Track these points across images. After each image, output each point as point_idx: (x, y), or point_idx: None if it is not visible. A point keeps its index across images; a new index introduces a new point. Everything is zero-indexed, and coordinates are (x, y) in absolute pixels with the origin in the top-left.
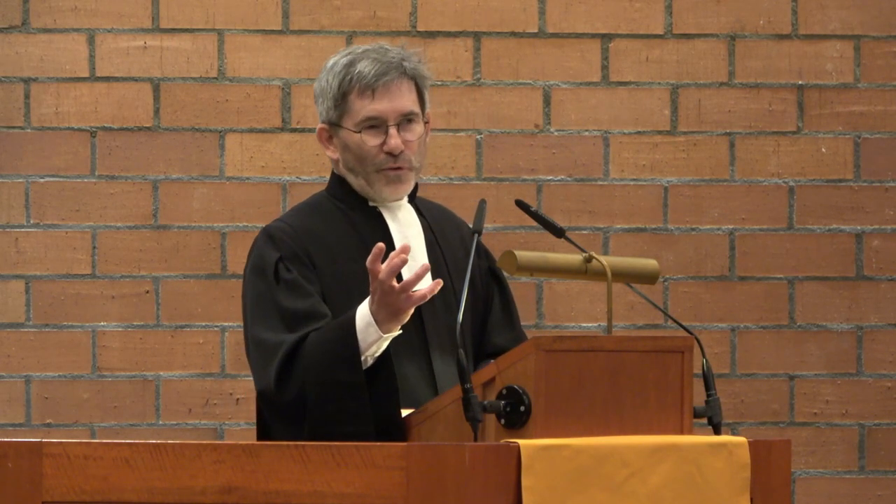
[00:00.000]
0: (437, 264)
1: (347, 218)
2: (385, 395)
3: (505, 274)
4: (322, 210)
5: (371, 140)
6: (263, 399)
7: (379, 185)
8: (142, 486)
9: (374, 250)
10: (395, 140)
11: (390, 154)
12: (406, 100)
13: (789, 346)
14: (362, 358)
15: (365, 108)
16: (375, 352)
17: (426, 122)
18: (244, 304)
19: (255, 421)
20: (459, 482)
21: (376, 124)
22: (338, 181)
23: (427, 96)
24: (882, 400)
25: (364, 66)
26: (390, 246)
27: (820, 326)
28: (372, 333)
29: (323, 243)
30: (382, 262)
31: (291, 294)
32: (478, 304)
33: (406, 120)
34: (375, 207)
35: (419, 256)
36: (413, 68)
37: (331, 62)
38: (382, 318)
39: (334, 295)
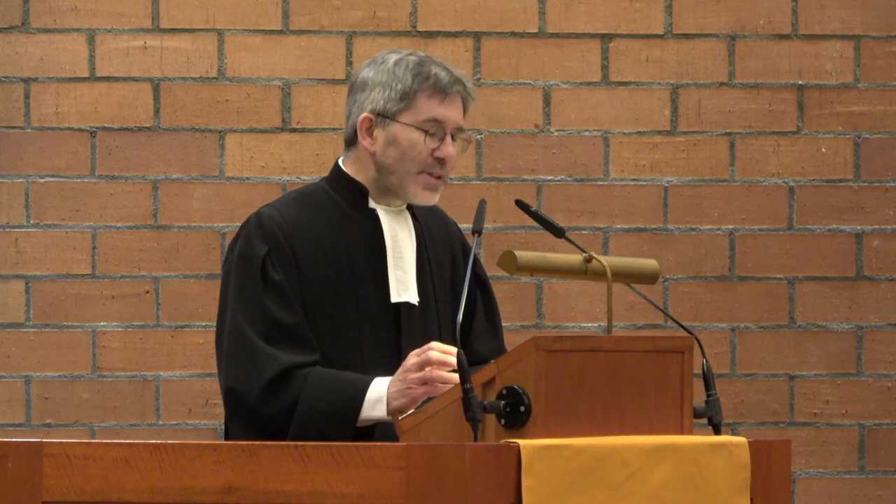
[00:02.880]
0: (423, 278)
1: (342, 214)
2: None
3: (505, 274)
4: (318, 201)
5: (430, 142)
6: (232, 397)
7: (415, 188)
8: (142, 486)
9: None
10: (449, 148)
11: (439, 160)
12: (462, 114)
13: (789, 346)
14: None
15: (433, 109)
16: (367, 424)
17: (468, 142)
18: (225, 285)
19: None
20: (459, 482)
21: (437, 129)
22: (340, 174)
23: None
24: (882, 400)
25: (439, 71)
26: (382, 250)
27: (820, 326)
28: (378, 410)
29: (311, 240)
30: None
31: (278, 302)
32: (457, 308)
33: (456, 134)
34: (374, 210)
35: (408, 267)
36: (471, 89)
37: (392, 58)
38: (397, 404)
39: (314, 291)
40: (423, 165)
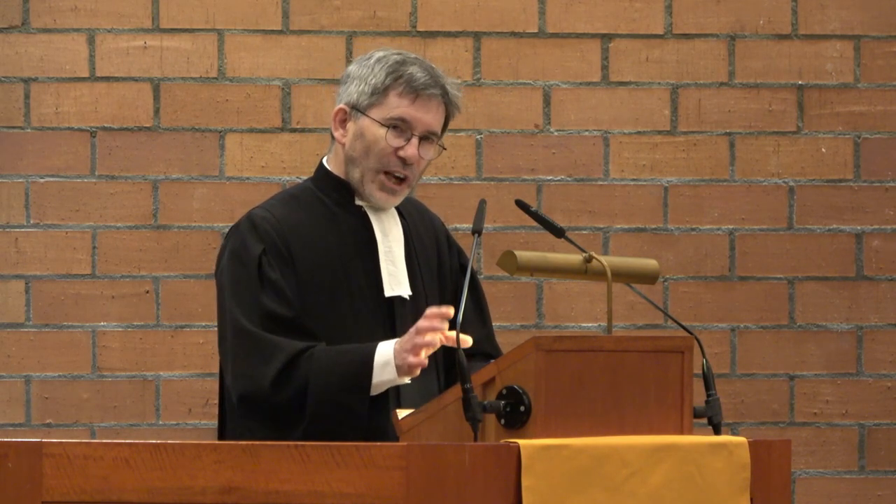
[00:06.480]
0: (413, 271)
1: (331, 213)
2: (376, 425)
3: (505, 274)
4: (306, 202)
5: (392, 140)
6: (244, 401)
7: (372, 187)
8: (142, 486)
9: (443, 311)
10: (413, 149)
11: (402, 160)
12: (437, 119)
13: (789, 346)
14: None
15: (401, 107)
16: (380, 389)
17: (443, 148)
18: (221, 287)
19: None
20: (459, 482)
21: (403, 128)
22: (325, 174)
23: (448, 125)
24: (882, 400)
25: (416, 71)
26: (373, 246)
27: (820, 326)
28: (388, 373)
29: (304, 237)
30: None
31: (276, 299)
32: (446, 300)
33: (427, 137)
34: (361, 207)
35: (398, 261)
36: (453, 95)
37: (378, 54)
38: (401, 363)
39: (309, 289)
40: (385, 163)
